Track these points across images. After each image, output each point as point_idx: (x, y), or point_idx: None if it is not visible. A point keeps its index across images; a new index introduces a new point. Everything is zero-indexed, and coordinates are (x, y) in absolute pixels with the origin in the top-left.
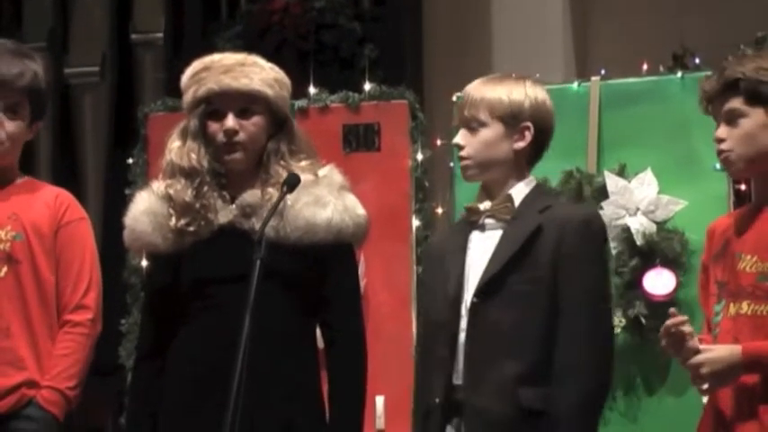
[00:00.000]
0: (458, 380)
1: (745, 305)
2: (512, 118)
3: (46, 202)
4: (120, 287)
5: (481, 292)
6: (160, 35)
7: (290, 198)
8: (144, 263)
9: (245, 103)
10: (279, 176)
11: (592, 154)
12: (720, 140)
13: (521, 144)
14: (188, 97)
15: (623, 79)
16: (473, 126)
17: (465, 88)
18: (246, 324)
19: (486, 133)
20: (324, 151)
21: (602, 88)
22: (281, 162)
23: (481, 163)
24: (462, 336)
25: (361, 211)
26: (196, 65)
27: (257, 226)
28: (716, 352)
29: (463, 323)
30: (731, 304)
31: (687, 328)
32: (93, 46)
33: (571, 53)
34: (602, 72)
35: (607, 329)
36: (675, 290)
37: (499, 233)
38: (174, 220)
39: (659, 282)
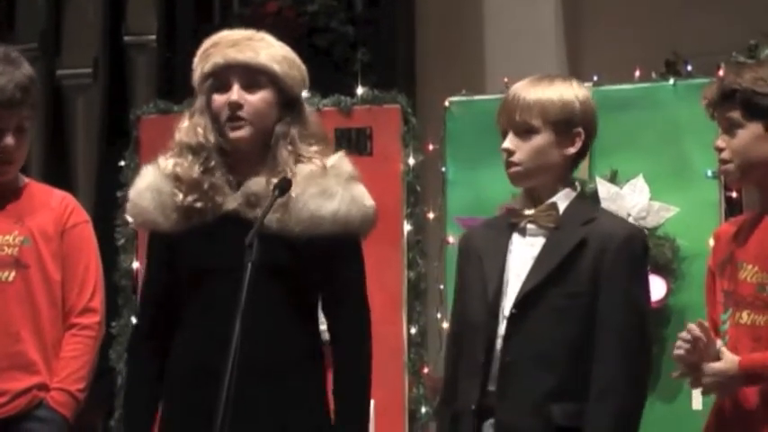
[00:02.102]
0: (492, 386)
1: (745, 315)
2: (565, 124)
3: (50, 205)
4: (110, 289)
5: (520, 303)
6: (153, 37)
7: (295, 189)
8: (135, 265)
9: (251, 76)
10: (286, 164)
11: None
12: (719, 150)
13: (571, 150)
14: (196, 76)
15: (615, 86)
16: (524, 131)
17: (512, 89)
18: (237, 328)
19: (538, 140)
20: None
21: (595, 94)
22: (289, 147)
23: (531, 170)
24: (499, 342)
25: (369, 201)
26: (205, 42)
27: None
28: (719, 364)
29: (501, 329)
30: (735, 313)
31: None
32: (86, 48)
33: (563, 59)
34: (595, 78)
35: (645, 348)
36: (666, 296)
37: (541, 240)
38: (180, 197)
39: (650, 288)
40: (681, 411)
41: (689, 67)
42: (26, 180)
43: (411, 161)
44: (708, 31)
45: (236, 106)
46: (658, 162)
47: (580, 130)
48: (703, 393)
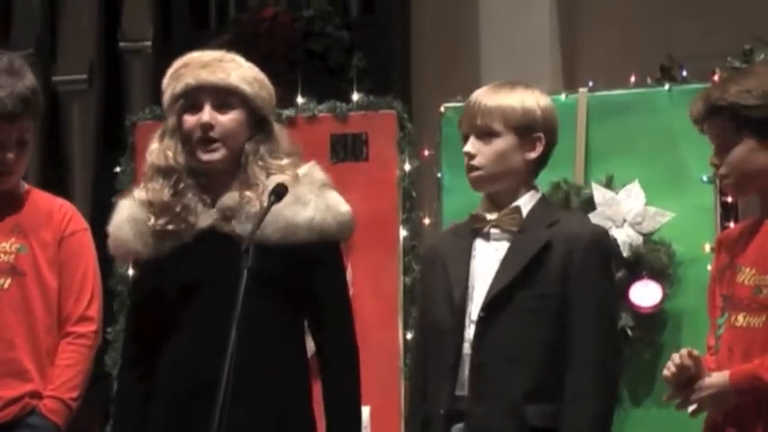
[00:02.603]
0: (461, 391)
1: (741, 317)
2: (526, 129)
3: (49, 212)
4: (106, 295)
5: (488, 306)
6: (148, 43)
7: (265, 199)
8: (131, 271)
9: (222, 97)
10: (257, 178)
11: (579, 165)
12: (716, 166)
13: (532, 155)
14: (167, 97)
15: (611, 91)
16: (486, 135)
17: (474, 94)
18: (233, 336)
19: (499, 144)
20: (311, 161)
21: (590, 100)
22: (260, 163)
23: (493, 174)
24: (467, 346)
25: (344, 207)
26: (175, 63)
27: (237, 228)
28: (710, 379)
29: (468, 334)
30: (731, 317)
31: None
32: (82, 53)
33: (559, 64)
34: (590, 84)
35: (615, 347)
36: (662, 301)
37: (505, 245)
38: (153, 221)
39: (646, 293)
40: (677, 416)
41: (684, 73)
42: (26, 187)
43: (407, 167)
44: (703, 35)
45: (208, 127)
46: (654, 167)
47: (541, 135)
48: (697, 411)
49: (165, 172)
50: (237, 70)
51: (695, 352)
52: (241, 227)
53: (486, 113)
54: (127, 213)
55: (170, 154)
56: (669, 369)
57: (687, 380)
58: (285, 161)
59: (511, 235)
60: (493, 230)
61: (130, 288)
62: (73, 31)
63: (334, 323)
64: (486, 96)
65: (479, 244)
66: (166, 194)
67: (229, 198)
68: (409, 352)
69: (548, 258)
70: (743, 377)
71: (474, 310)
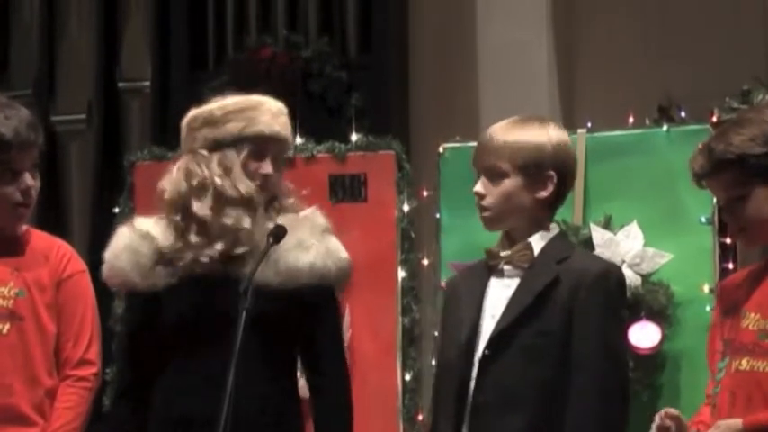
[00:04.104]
0: (465, 429)
1: (744, 362)
2: (535, 168)
3: (46, 254)
4: (105, 335)
5: (492, 344)
6: (147, 83)
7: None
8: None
9: (281, 150)
10: (272, 217)
11: (578, 206)
12: (731, 223)
13: (543, 194)
14: (229, 130)
15: (609, 132)
16: (494, 175)
17: (488, 130)
18: (231, 376)
19: (506, 184)
20: (310, 201)
21: (588, 140)
22: (275, 203)
23: (501, 214)
24: (472, 384)
25: (343, 254)
26: (240, 101)
27: (239, 268)
28: (725, 422)
29: (474, 371)
30: (733, 362)
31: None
32: (80, 93)
33: (557, 105)
34: (589, 124)
35: (619, 387)
36: (661, 343)
37: (516, 281)
38: (156, 256)
39: (644, 335)
40: None
41: (682, 113)
42: (24, 227)
43: (405, 207)
44: (700, 76)
45: (271, 178)
46: (652, 208)
47: (552, 173)
48: None
49: (244, 204)
50: (289, 123)
51: (673, 411)
52: (242, 269)
53: (494, 152)
54: (124, 243)
55: (250, 184)
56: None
57: None
58: (291, 200)
59: (522, 271)
60: (506, 267)
61: (123, 318)
62: (71, 70)
63: (329, 367)
64: (497, 133)
65: (493, 282)
66: (248, 222)
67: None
68: (408, 393)
69: (555, 294)
70: (757, 423)
71: (481, 347)
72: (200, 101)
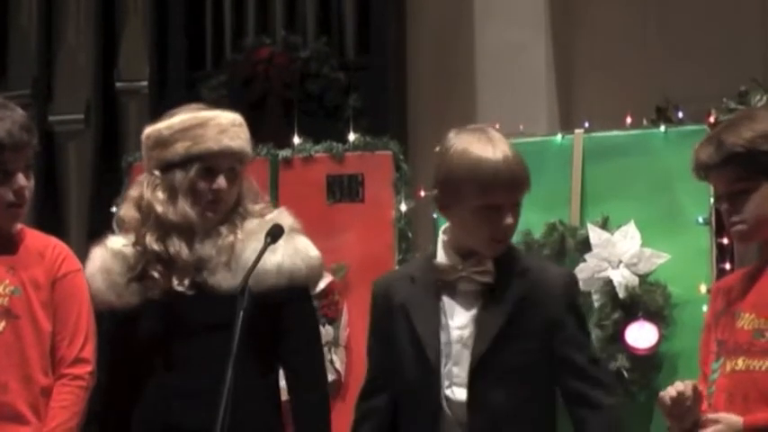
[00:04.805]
0: None
1: (740, 361)
2: None
3: (42, 253)
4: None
5: (475, 370)
6: (145, 83)
7: (238, 246)
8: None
9: (234, 162)
10: (236, 224)
11: (575, 206)
12: (730, 215)
13: None
14: (176, 151)
15: (607, 132)
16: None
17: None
18: (229, 375)
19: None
20: (308, 201)
21: (586, 141)
22: (240, 210)
23: None
24: (445, 407)
25: (313, 252)
26: (186, 119)
27: (209, 279)
28: (718, 426)
29: (448, 393)
30: (728, 362)
31: (690, 394)
32: (78, 94)
33: (555, 106)
34: (586, 125)
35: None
36: (658, 343)
37: (476, 298)
38: (129, 274)
39: (641, 335)
40: None
41: (680, 114)
42: (19, 226)
43: (403, 207)
44: (698, 77)
45: (223, 193)
46: (650, 208)
47: None
48: None
49: (186, 232)
50: (246, 134)
51: (700, 387)
52: (213, 278)
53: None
54: (99, 264)
55: (191, 213)
56: (669, 393)
57: (679, 410)
58: (258, 207)
59: (479, 286)
60: (461, 285)
61: (102, 335)
62: (69, 71)
63: (306, 367)
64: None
65: (446, 299)
66: (187, 253)
67: (205, 248)
68: None
69: (525, 312)
70: (758, 424)
71: (455, 370)
72: (197, 101)
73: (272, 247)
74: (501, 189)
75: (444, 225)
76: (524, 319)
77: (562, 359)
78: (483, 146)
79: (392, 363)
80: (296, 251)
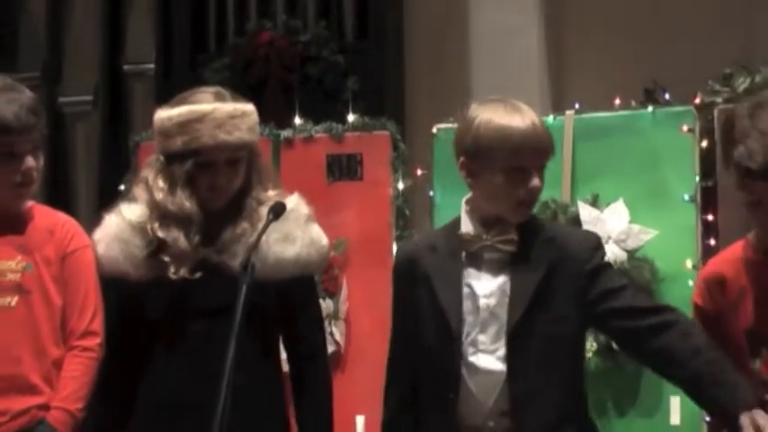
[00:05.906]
0: (492, 423)
1: None
2: None
3: (51, 230)
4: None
5: (511, 338)
6: (151, 66)
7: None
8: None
9: (234, 153)
10: (251, 209)
11: (566, 185)
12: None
13: None
14: (176, 144)
15: (596, 113)
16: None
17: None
18: (231, 352)
19: None
20: (308, 180)
21: (576, 122)
22: (253, 195)
23: None
24: (465, 373)
25: (324, 241)
26: (184, 112)
27: (228, 260)
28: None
29: (472, 360)
30: None
31: None
32: (86, 76)
33: (546, 88)
34: (577, 106)
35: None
36: None
37: (500, 266)
38: (147, 251)
39: None
40: (660, 426)
41: (667, 96)
42: (29, 203)
43: (400, 186)
44: (684, 61)
45: (223, 186)
46: (638, 187)
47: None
48: None
49: (182, 221)
50: (247, 123)
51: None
52: (232, 259)
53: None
54: (115, 232)
55: (188, 205)
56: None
57: None
58: (272, 193)
59: (505, 255)
60: (485, 253)
61: (110, 305)
62: (78, 54)
63: (311, 351)
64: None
65: (471, 268)
66: (184, 243)
67: (225, 233)
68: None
69: (555, 278)
70: None
71: (481, 338)
72: (201, 83)
73: (291, 238)
74: (530, 151)
75: (466, 196)
76: (555, 285)
77: (612, 310)
78: (510, 114)
79: (414, 329)
80: (312, 242)
